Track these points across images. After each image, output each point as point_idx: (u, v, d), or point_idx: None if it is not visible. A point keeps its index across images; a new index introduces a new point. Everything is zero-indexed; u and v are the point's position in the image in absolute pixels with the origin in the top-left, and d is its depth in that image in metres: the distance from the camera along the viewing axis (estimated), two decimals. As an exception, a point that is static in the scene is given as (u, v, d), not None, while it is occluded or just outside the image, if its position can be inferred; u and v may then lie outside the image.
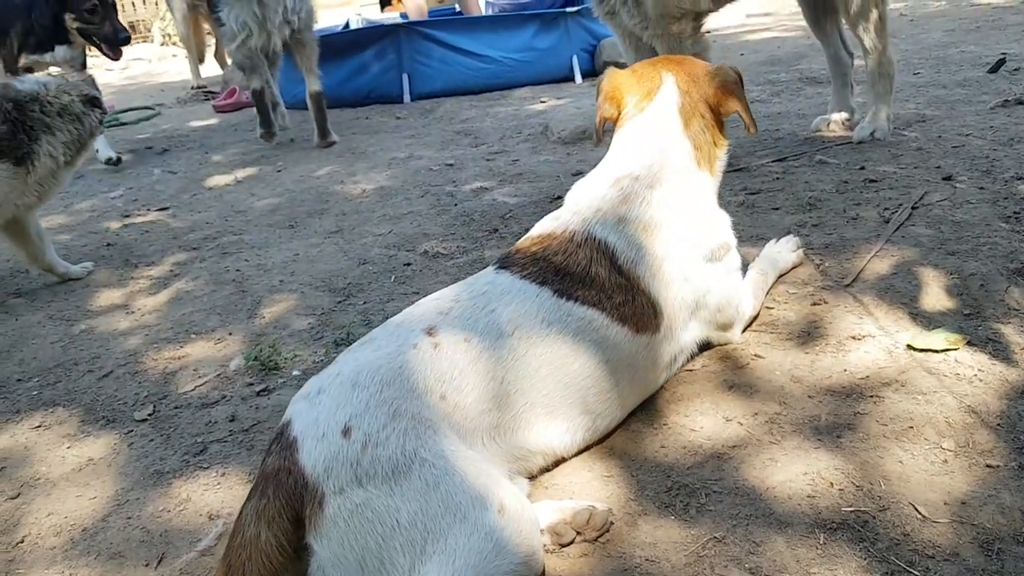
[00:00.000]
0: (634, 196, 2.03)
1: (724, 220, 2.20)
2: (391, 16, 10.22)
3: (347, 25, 9.08)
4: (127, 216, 4.44)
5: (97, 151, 5.47)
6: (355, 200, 4.22)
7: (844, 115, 4.21)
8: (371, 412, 1.54)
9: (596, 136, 2.27)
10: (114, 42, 5.55)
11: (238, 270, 3.34)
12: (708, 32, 3.63)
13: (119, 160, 5.73)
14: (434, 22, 7.32)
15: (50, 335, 2.96)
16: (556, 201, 3.64)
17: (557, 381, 1.79)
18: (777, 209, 3.19)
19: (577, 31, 7.10)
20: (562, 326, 1.81)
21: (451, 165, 4.64)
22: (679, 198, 2.07)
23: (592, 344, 1.83)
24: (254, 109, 5.86)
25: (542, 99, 6.37)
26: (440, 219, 3.69)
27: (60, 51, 5.61)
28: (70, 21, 5.43)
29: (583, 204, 2.05)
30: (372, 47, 6.93)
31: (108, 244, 3.92)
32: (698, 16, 3.53)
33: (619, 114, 2.20)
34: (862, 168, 3.54)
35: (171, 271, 3.48)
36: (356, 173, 4.76)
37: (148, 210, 4.50)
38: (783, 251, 2.65)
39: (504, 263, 1.96)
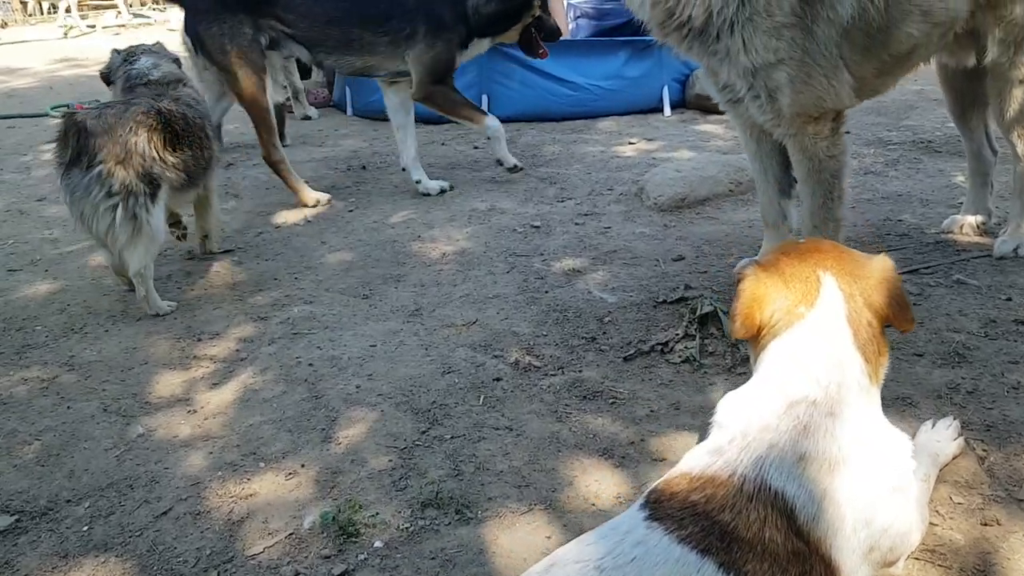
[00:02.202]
0: (815, 428, 1.69)
1: (905, 442, 1.86)
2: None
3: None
4: (191, 258, 4.17)
5: None
6: (434, 266, 3.90)
7: (980, 218, 3.80)
8: None
9: (730, 338, 1.93)
10: (555, 37, 5.02)
11: (310, 364, 3.04)
12: (848, 132, 3.23)
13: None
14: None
15: (103, 437, 2.69)
16: (660, 306, 3.29)
17: None
18: (920, 356, 2.81)
19: (670, 60, 6.64)
20: (727, 616, 1.49)
21: (537, 227, 4.30)
22: (862, 425, 1.74)
23: (759, 637, 1.50)
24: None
25: (631, 139, 5.98)
26: (529, 311, 3.36)
27: (474, 47, 4.87)
28: (535, 10, 4.76)
29: (752, 436, 1.70)
30: (450, 63, 6.56)
31: (169, 303, 3.64)
32: (839, 115, 3.13)
33: (759, 331, 1.85)
34: (1009, 299, 3.15)
35: (236, 351, 3.19)
36: (433, 225, 4.44)
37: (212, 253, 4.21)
38: (943, 441, 2.29)
39: (656, 511, 1.62)
